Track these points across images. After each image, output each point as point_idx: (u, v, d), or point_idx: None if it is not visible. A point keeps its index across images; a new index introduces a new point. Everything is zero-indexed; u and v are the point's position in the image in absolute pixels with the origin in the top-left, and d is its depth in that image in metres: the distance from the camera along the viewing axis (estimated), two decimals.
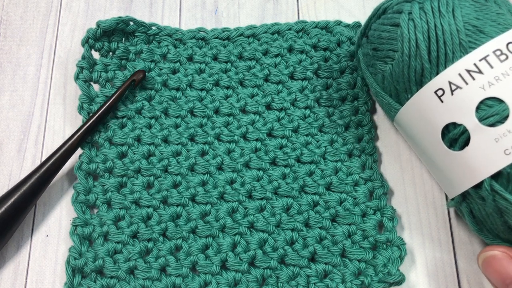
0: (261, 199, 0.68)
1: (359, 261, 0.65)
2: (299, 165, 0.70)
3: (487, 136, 0.53)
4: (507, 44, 0.54)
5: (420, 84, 0.58)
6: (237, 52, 0.75)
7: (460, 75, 0.54)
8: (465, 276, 0.66)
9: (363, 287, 0.63)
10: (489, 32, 0.55)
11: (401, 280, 0.62)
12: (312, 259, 0.66)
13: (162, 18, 0.81)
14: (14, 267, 0.68)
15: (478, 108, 0.53)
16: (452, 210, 0.69)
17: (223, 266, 0.66)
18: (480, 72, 0.53)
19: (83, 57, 0.73)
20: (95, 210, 0.69)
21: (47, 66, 0.78)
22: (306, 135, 0.71)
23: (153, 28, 0.76)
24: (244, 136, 0.71)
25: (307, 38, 0.76)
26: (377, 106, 0.74)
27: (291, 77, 0.74)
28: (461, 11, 0.56)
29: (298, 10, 0.81)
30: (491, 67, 0.53)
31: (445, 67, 0.55)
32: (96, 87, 0.74)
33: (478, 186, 0.55)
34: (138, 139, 0.71)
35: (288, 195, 0.68)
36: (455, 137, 0.55)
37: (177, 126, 0.72)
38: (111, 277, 0.65)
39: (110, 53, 0.75)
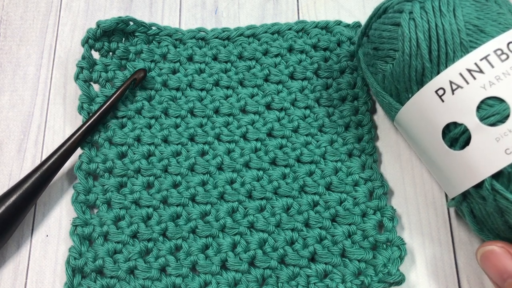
0: (261, 199, 0.68)
1: (359, 261, 0.65)
2: (299, 165, 0.70)
3: (488, 135, 0.53)
4: (508, 44, 0.54)
5: (420, 83, 0.58)
6: (237, 52, 0.75)
7: (461, 74, 0.54)
8: (465, 276, 0.66)
9: (363, 287, 0.63)
10: (490, 32, 0.55)
11: (401, 280, 0.62)
12: (312, 259, 0.66)
13: (162, 18, 0.81)
14: (14, 267, 0.68)
15: (479, 108, 0.53)
16: (452, 210, 0.69)
17: (223, 266, 0.66)
18: (481, 71, 0.53)
19: (83, 57, 0.73)
20: (95, 210, 0.69)
21: (47, 66, 0.78)
22: (306, 135, 0.71)
23: (153, 28, 0.76)
24: (244, 136, 0.71)
25: (307, 38, 0.76)
26: (377, 106, 0.74)
27: (291, 77, 0.74)
28: (462, 11, 0.56)
29: (298, 10, 0.81)
30: (492, 66, 0.53)
31: (446, 67, 0.55)
32: (96, 87, 0.74)
33: (479, 185, 0.55)
34: (138, 139, 0.71)
35: (288, 195, 0.68)
36: (456, 136, 0.55)
37: (177, 126, 0.72)
38: (111, 277, 0.65)
39: (110, 53, 0.75)
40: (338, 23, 0.76)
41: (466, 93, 0.54)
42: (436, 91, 0.56)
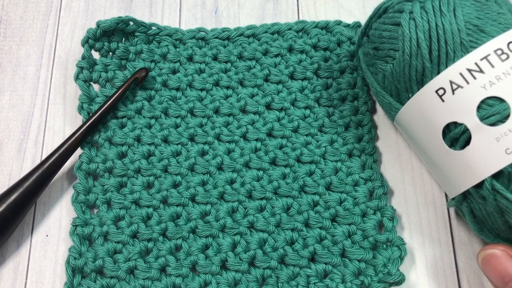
0: (261, 199, 0.68)
1: (359, 261, 0.65)
2: (299, 165, 0.70)
3: (488, 135, 0.53)
4: (508, 44, 0.54)
5: (421, 83, 0.58)
6: (237, 52, 0.75)
7: (461, 74, 0.54)
8: (465, 276, 0.66)
9: (363, 287, 0.63)
10: (490, 32, 0.55)
11: (401, 280, 0.62)
12: (312, 259, 0.66)
13: (162, 18, 0.81)
14: (14, 267, 0.68)
15: (479, 108, 0.53)
16: (452, 210, 0.69)
17: (223, 266, 0.66)
18: (481, 71, 0.53)
19: (83, 57, 0.73)
20: (95, 210, 0.69)
21: (47, 66, 0.78)
22: (306, 135, 0.71)
23: (153, 28, 0.76)
24: (244, 136, 0.71)
25: (307, 38, 0.76)
26: (377, 106, 0.74)
27: (291, 77, 0.74)
28: (462, 11, 0.56)
29: (298, 10, 0.81)
30: (492, 66, 0.53)
31: (446, 67, 0.55)
32: (96, 87, 0.74)
33: (479, 185, 0.55)
34: (138, 139, 0.71)
35: (288, 195, 0.68)
36: (456, 136, 0.55)
37: (177, 126, 0.72)
38: (111, 277, 0.65)
39: (110, 53, 0.75)
40: (338, 23, 0.76)
41: (466, 93, 0.54)
42: (436, 91, 0.56)
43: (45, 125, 0.75)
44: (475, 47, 0.54)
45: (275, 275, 0.65)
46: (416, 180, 0.71)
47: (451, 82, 0.55)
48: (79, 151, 0.70)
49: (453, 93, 0.55)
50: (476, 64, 0.54)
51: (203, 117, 0.72)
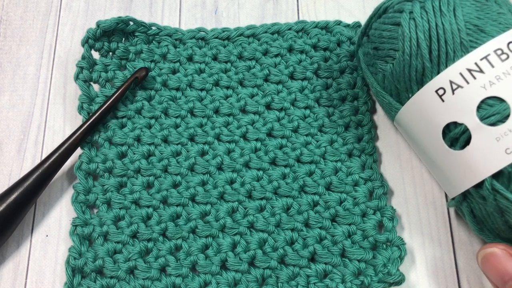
0: (261, 199, 0.68)
1: (359, 261, 0.65)
2: (299, 165, 0.70)
3: (488, 135, 0.53)
4: (508, 44, 0.54)
5: (421, 83, 0.58)
6: (237, 52, 0.75)
7: (461, 74, 0.54)
8: (465, 276, 0.66)
9: (363, 287, 0.63)
10: (490, 32, 0.55)
11: (401, 280, 0.62)
12: (312, 259, 0.66)
13: (162, 18, 0.81)
14: (14, 267, 0.68)
15: (479, 108, 0.53)
16: (452, 210, 0.69)
17: (223, 266, 0.66)
18: (481, 71, 0.53)
19: (83, 57, 0.73)
20: (95, 210, 0.69)
21: (47, 66, 0.78)
22: (306, 135, 0.71)
23: (153, 28, 0.76)
24: (244, 136, 0.71)
25: (307, 38, 0.76)
26: (377, 106, 0.75)
27: (291, 77, 0.74)
28: (462, 11, 0.56)
29: (298, 10, 0.81)
30: (492, 66, 0.53)
31: (446, 66, 0.55)
32: (96, 87, 0.74)
33: (479, 185, 0.55)
34: (138, 139, 0.71)
35: (288, 195, 0.68)
36: (456, 136, 0.55)
37: (177, 126, 0.72)
38: (111, 277, 0.65)
39: (110, 53, 0.75)
40: (338, 23, 0.76)
41: (466, 93, 0.54)
42: (436, 91, 0.56)
43: (45, 125, 0.75)
44: (475, 47, 0.54)
45: (275, 275, 0.65)
46: (416, 180, 0.71)
47: (451, 82, 0.55)
48: (79, 151, 0.70)
49: (453, 93, 0.55)
50: (476, 64, 0.54)
51: (203, 117, 0.72)
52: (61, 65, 0.78)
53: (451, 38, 0.55)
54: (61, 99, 0.76)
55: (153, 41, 0.76)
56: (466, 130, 0.54)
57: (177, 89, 0.74)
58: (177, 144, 0.71)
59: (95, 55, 0.75)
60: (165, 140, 0.71)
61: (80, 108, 0.72)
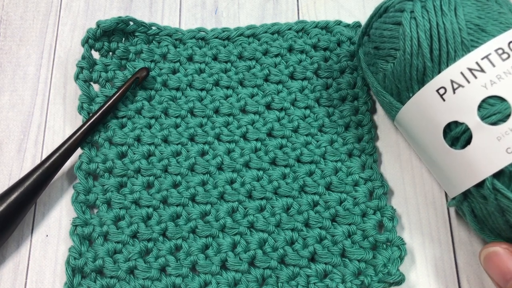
0: (261, 199, 0.68)
1: (359, 261, 0.65)
2: (299, 165, 0.70)
3: (489, 134, 0.53)
4: (509, 43, 0.54)
5: (422, 82, 0.58)
6: (237, 52, 0.75)
7: (462, 73, 0.54)
8: (465, 276, 0.66)
9: (363, 287, 0.63)
10: (491, 31, 0.55)
11: (401, 280, 0.62)
12: (312, 259, 0.66)
13: (162, 18, 0.81)
14: (14, 267, 0.68)
15: (480, 107, 0.53)
16: (452, 209, 0.69)
17: (223, 266, 0.66)
18: (482, 70, 0.53)
19: (83, 57, 0.73)
20: (95, 210, 0.69)
21: (47, 66, 0.78)
22: (306, 135, 0.71)
23: (153, 28, 0.76)
24: (244, 136, 0.71)
25: (307, 38, 0.76)
26: (377, 106, 0.75)
27: (291, 77, 0.74)
28: (463, 10, 0.56)
29: (298, 10, 0.81)
30: (493, 65, 0.53)
31: (447, 66, 0.55)
32: (96, 87, 0.74)
33: (480, 185, 0.55)
34: (138, 139, 0.71)
35: (288, 195, 0.68)
36: (457, 135, 0.55)
37: (177, 126, 0.72)
38: (111, 277, 0.65)
39: (110, 53, 0.75)
40: (338, 23, 0.76)
41: (467, 92, 0.54)
42: (437, 90, 0.56)
43: (45, 125, 0.75)
44: (476, 47, 0.54)
45: (275, 275, 0.65)
46: (416, 180, 0.71)
47: (452, 82, 0.55)
48: (79, 151, 0.70)
49: (454, 92, 0.55)
50: (477, 63, 0.54)
51: (203, 117, 0.72)
52: (61, 65, 0.78)
53: (452, 38, 0.55)
54: (61, 99, 0.76)
55: (153, 41, 0.76)
56: (467, 130, 0.54)
57: (177, 89, 0.74)
58: (177, 144, 0.71)
59: (95, 55, 0.74)
60: (165, 140, 0.71)
61: (80, 108, 0.72)
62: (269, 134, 0.71)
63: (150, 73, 0.74)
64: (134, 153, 0.70)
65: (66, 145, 0.68)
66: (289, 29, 0.76)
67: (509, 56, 0.53)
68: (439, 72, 0.56)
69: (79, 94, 0.73)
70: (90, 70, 0.73)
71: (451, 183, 0.60)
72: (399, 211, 0.69)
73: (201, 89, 0.74)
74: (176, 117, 0.72)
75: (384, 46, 0.62)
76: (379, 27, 0.63)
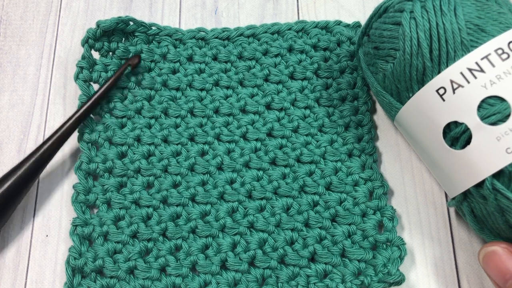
0: (261, 199, 0.68)
1: (359, 261, 0.65)
2: (299, 165, 0.70)
3: (488, 134, 0.53)
4: (509, 43, 0.54)
5: (421, 82, 0.58)
6: (237, 52, 0.75)
7: (462, 73, 0.54)
8: (465, 275, 0.66)
9: (363, 287, 0.63)
10: (491, 31, 0.55)
11: (401, 280, 0.62)
12: (312, 259, 0.66)
13: (162, 18, 0.81)
14: (14, 267, 0.68)
15: (479, 107, 0.53)
16: (452, 209, 0.69)
17: (223, 266, 0.66)
18: (482, 70, 0.53)
19: (83, 57, 0.73)
20: (95, 210, 0.69)
21: (47, 66, 0.78)
22: (306, 135, 0.71)
23: (153, 28, 0.76)
24: (244, 136, 0.71)
25: (307, 38, 0.76)
26: (377, 106, 0.75)
27: (291, 77, 0.74)
28: (462, 10, 0.56)
29: (298, 10, 0.81)
30: (493, 65, 0.53)
31: (447, 66, 0.55)
32: (96, 87, 0.74)
33: (480, 185, 0.55)
34: (138, 139, 0.71)
35: (288, 195, 0.68)
36: (457, 136, 0.56)
37: (177, 126, 0.72)
38: (111, 277, 0.65)
39: (110, 53, 0.75)
40: (338, 23, 0.76)
41: (467, 92, 0.54)
42: (437, 90, 0.56)
43: (45, 125, 0.75)
44: (475, 47, 0.54)
45: (275, 275, 0.65)
46: (416, 180, 0.71)
47: (451, 82, 0.55)
48: (77, 148, 0.70)
49: (454, 93, 0.55)
50: (476, 63, 0.54)
51: (203, 117, 0.72)
52: (61, 65, 0.78)
53: (451, 38, 0.55)
54: (61, 99, 0.76)
55: (153, 41, 0.76)
56: (466, 130, 0.54)
57: (177, 89, 0.74)
58: (177, 144, 0.71)
59: (95, 55, 0.75)
60: (165, 140, 0.71)
61: None
62: (269, 134, 0.71)
63: (150, 73, 0.74)
64: (134, 153, 0.70)
65: (63, 129, 0.68)
66: (289, 29, 0.76)
67: (508, 56, 0.53)
68: (439, 72, 0.56)
69: (79, 94, 0.73)
70: (90, 70, 0.73)
71: (451, 183, 0.60)
72: (399, 211, 0.69)
73: (201, 89, 0.74)
74: (176, 117, 0.72)
75: (383, 46, 0.62)
76: (379, 27, 0.63)
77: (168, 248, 0.66)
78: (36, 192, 0.71)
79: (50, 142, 0.67)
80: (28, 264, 0.68)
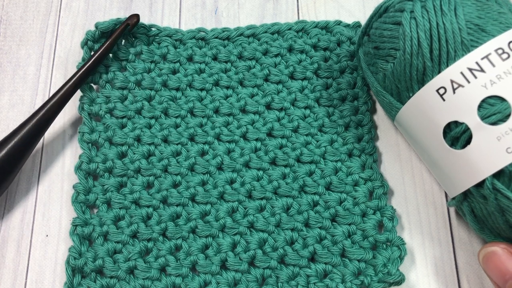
0: (261, 199, 0.68)
1: (359, 261, 0.65)
2: (299, 165, 0.70)
3: (489, 134, 0.53)
4: (509, 43, 0.54)
5: (422, 82, 0.58)
6: (237, 52, 0.75)
7: (462, 73, 0.54)
8: (465, 275, 0.66)
9: (363, 287, 0.63)
10: (491, 31, 0.55)
11: (401, 280, 0.62)
12: (312, 259, 0.66)
13: (162, 18, 0.81)
14: (14, 267, 0.68)
15: (480, 107, 0.53)
16: (452, 209, 0.69)
17: (223, 266, 0.66)
18: (482, 70, 0.53)
19: (83, 59, 0.73)
20: (95, 210, 0.69)
21: (47, 66, 0.78)
22: (306, 135, 0.71)
23: (153, 29, 0.76)
24: (244, 136, 0.71)
25: (307, 38, 0.76)
26: (377, 106, 0.75)
27: (291, 77, 0.74)
28: (463, 10, 0.56)
29: (298, 10, 0.81)
30: (493, 65, 0.53)
31: (447, 66, 0.55)
32: (96, 87, 0.74)
33: (480, 184, 0.55)
34: (138, 139, 0.71)
35: (288, 195, 0.68)
36: (457, 135, 0.56)
37: (177, 126, 0.72)
38: (111, 277, 0.65)
39: (110, 54, 0.75)
40: (338, 23, 0.76)
41: (467, 92, 0.54)
42: (437, 90, 0.56)
43: None
44: (476, 46, 0.54)
45: (275, 275, 0.65)
46: (416, 180, 0.71)
47: (452, 81, 0.55)
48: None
49: (454, 92, 0.55)
50: (477, 63, 0.54)
51: (203, 117, 0.72)
52: (61, 65, 0.78)
53: (452, 37, 0.55)
54: None
55: (153, 42, 0.76)
56: (467, 130, 0.54)
57: (177, 89, 0.74)
58: (177, 144, 0.71)
59: None
60: (165, 140, 0.71)
61: (81, 109, 0.72)
62: (269, 134, 0.71)
63: (150, 73, 0.74)
64: (134, 153, 0.70)
65: (64, 89, 0.69)
66: (289, 29, 0.76)
67: (509, 56, 0.53)
68: (439, 72, 0.56)
69: (79, 94, 0.73)
70: None
71: (451, 183, 0.60)
72: (399, 211, 0.69)
73: (201, 89, 0.74)
74: (176, 117, 0.72)
75: (384, 46, 0.62)
76: (379, 27, 0.63)
77: (168, 248, 0.66)
78: (36, 192, 0.71)
79: (52, 102, 0.68)
80: (28, 264, 0.68)
